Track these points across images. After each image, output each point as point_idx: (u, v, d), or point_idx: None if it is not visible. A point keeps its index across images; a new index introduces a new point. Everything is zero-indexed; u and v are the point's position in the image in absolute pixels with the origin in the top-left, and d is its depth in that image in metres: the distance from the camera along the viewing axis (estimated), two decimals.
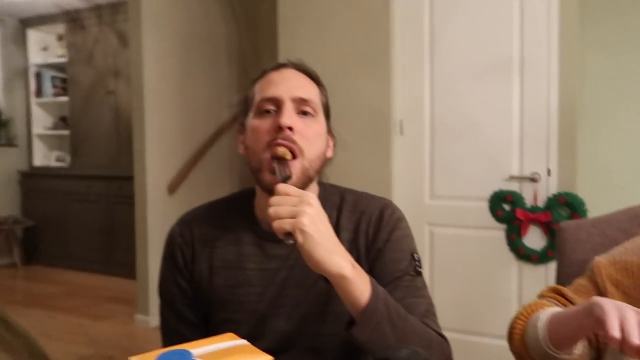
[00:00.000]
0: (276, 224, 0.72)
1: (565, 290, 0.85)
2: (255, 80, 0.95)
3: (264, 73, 0.94)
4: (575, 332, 0.70)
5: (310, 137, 0.86)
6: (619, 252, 0.87)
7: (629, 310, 0.61)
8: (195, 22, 3.46)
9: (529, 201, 2.26)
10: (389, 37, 2.49)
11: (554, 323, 0.73)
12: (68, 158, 5.01)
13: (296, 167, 0.84)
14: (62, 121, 5.12)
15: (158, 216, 3.12)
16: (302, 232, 0.70)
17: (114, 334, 3.09)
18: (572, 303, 0.82)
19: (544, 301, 0.84)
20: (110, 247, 4.50)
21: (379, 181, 2.48)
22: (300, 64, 0.94)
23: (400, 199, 2.51)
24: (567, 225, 1.09)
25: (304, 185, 0.87)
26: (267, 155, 0.84)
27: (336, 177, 1.02)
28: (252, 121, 0.89)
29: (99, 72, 4.64)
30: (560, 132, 2.23)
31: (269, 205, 0.74)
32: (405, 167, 2.52)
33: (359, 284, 0.72)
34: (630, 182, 2.36)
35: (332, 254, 0.72)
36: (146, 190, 3.11)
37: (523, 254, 2.25)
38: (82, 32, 4.72)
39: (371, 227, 0.92)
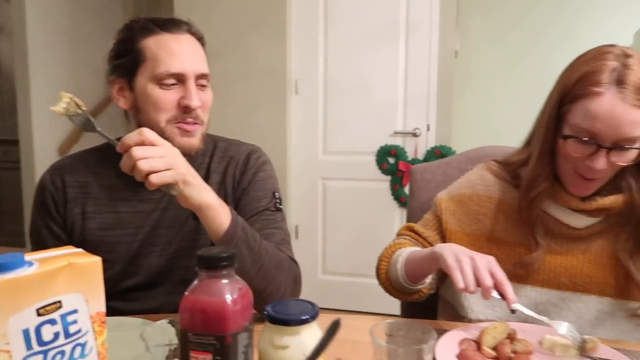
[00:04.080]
0: (156, 179, 0.73)
1: (417, 227, 1.03)
2: (141, 30, 0.91)
3: (155, 29, 0.91)
4: (425, 271, 0.90)
5: (208, 106, 0.97)
6: (455, 187, 1.03)
7: (465, 258, 0.77)
8: None
9: (410, 154, 2.47)
10: None
11: (409, 265, 0.91)
12: None
13: (199, 133, 0.94)
14: None
15: None
16: (185, 181, 0.76)
17: None
18: (422, 237, 1.00)
19: (402, 240, 1.00)
20: None
21: (275, 139, 2.56)
22: (194, 28, 0.96)
23: (296, 155, 2.62)
24: (418, 167, 1.25)
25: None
26: (171, 128, 0.91)
27: (234, 136, 1.09)
28: (151, 88, 0.90)
29: None
30: (438, 92, 2.44)
31: (132, 158, 0.72)
32: (300, 125, 2.63)
33: (222, 213, 0.81)
34: (499, 137, 2.65)
35: (203, 189, 0.80)
36: (33, 154, 2.95)
37: (404, 202, 2.48)
38: None
39: (238, 170, 1.01)
